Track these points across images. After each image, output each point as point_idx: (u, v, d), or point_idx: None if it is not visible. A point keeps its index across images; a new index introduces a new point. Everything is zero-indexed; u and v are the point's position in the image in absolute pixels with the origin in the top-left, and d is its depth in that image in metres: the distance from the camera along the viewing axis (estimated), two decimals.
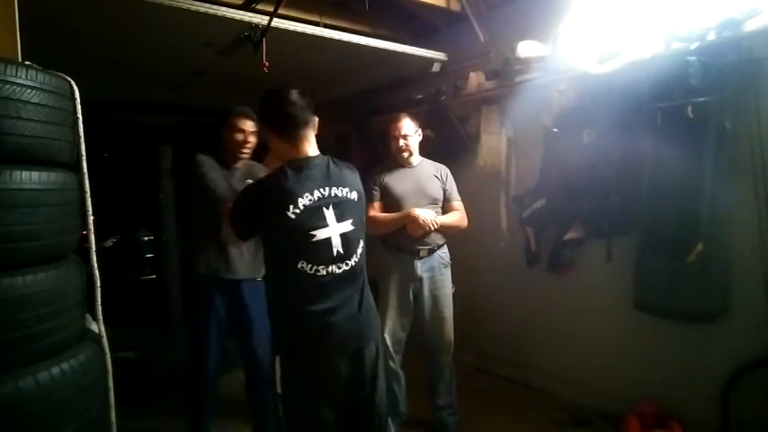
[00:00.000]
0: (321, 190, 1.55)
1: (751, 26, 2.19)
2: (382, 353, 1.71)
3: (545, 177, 3.01)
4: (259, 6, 2.68)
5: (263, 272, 2.36)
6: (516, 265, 3.20)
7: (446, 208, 2.63)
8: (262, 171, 2.33)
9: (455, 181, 2.70)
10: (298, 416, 1.56)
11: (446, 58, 3.61)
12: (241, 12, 2.63)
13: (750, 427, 2.27)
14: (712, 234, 2.27)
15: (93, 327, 1.82)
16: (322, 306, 1.53)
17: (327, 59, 3.32)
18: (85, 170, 1.77)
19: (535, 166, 3.07)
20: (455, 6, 3.35)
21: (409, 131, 2.58)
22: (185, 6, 2.40)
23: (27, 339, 1.46)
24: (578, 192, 2.75)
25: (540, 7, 3.08)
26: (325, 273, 1.54)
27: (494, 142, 3.35)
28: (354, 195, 1.65)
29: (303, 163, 1.58)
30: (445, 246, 2.64)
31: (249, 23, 2.64)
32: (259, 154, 2.38)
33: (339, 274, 1.57)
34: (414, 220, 2.45)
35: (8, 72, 1.45)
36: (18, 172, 1.47)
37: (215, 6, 2.52)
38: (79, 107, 1.72)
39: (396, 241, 2.55)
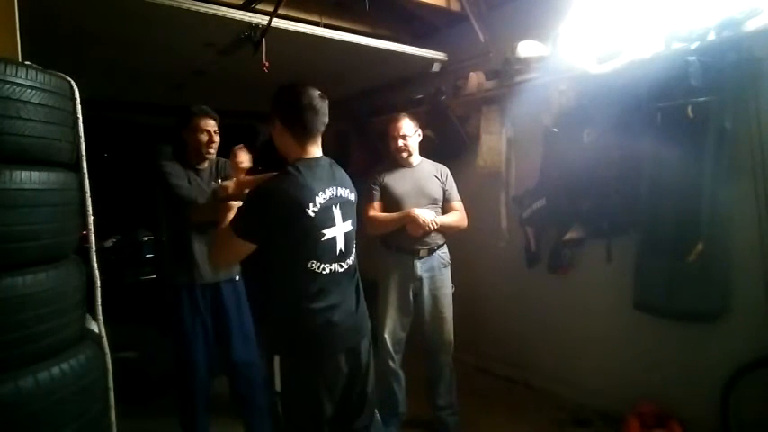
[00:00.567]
0: (331, 189, 1.57)
1: (751, 26, 2.19)
2: (372, 347, 1.74)
3: (545, 177, 3.01)
4: (259, 6, 2.68)
5: (237, 271, 2.38)
6: (516, 265, 3.20)
7: (446, 208, 2.63)
8: (229, 166, 2.27)
9: (455, 181, 2.70)
10: (299, 413, 1.57)
11: (446, 58, 3.61)
12: (241, 12, 2.63)
13: (750, 427, 2.27)
14: (712, 234, 2.26)
15: (93, 327, 1.82)
16: (324, 303, 1.55)
17: (327, 59, 3.32)
18: (85, 170, 1.77)
19: (535, 166, 3.07)
20: (455, 6, 3.35)
21: (409, 131, 2.58)
22: (185, 6, 2.40)
23: (27, 339, 1.46)
24: (578, 192, 2.75)
25: (540, 7, 3.08)
26: (328, 271, 1.56)
27: (494, 142, 3.35)
28: (353, 196, 1.70)
29: (313, 163, 1.59)
30: (445, 246, 2.64)
31: (249, 23, 2.64)
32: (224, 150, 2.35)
33: (340, 272, 1.60)
34: (413, 220, 2.45)
35: (8, 72, 1.45)
36: (18, 172, 1.47)
37: (215, 6, 2.52)
38: (79, 107, 1.72)
39: (396, 241, 2.55)
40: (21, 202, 1.47)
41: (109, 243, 5.71)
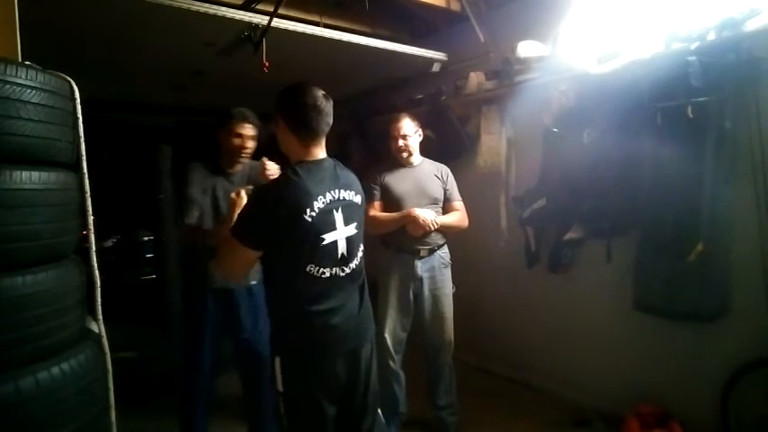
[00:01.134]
0: (332, 192, 1.54)
1: (751, 26, 2.19)
2: (375, 352, 1.73)
3: (545, 177, 3.01)
4: (259, 6, 2.68)
5: (252, 278, 2.35)
6: (516, 265, 3.20)
7: (447, 208, 2.62)
8: (255, 171, 2.31)
9: (455, 181, 2.70)
10: (300, 413, 1.57)
11: (446, 58, 3.61)
12: (241, 12, 2.63)
13: (750, 427, 2.27)
14: (712, 234, 2.26)
15: (93, 327, 1.82)
16: (324, 307, 1.53)
17: (327, 59, 3.32)
18: (85, 170, 1.77)
19: (535, 166, 3.07)
20: (455, 6, 3.35)
21: (409, 131, 2.58)
22: (185, 6, 2.40)
23: (27, 339, 1.46)
24: (578, 192, 2.75)
25: (540, 7, 3.08)
26: (329, 275, 1.54)
27: (494, 142, 3.35)
28: (359, 199, 1.66)
29: (314, 165, 1.56)
30: (446, 246, 2.64)
31: (249, 23, 2.64)
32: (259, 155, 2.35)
33: (342, 276, 1.57)
34: (414, 219, 2.45)
35: (8, 72, 1.45)
36: (18, 172, 1.47)
37: (215, 6, 2.52)
38: (79, 107, 1.72)
39: (396, 241, 2.55)
40: (21, 202, 1.47)
41: (109, 243, 5.72)
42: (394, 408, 2.60)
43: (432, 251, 2.57)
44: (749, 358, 2.24)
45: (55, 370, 1.49)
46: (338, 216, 1.55)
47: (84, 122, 1.74)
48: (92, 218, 1.78)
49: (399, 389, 2.63)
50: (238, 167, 2.37)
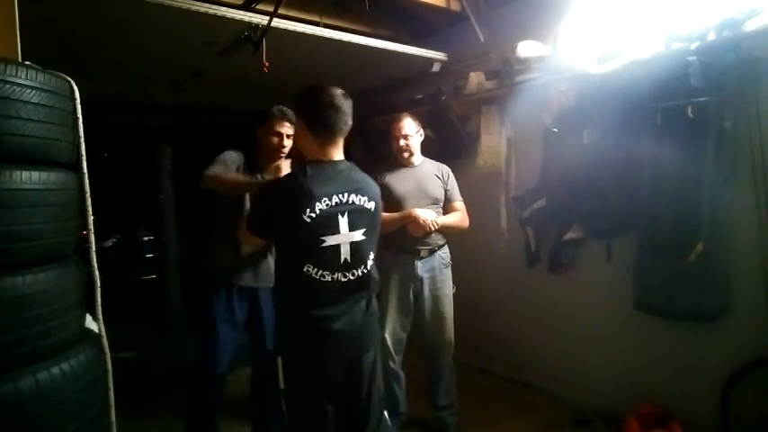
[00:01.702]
0: (340, 196, 1.53)
1: (751, 26, 2.19)
2: (380, 360, 1.72)
3: (545, 177, 3.01)
4: (259, 6, 2.68)
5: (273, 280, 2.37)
6: (516, 265, 3.20)
7: (447, 208, 2.62)
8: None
9: (456, 181, 2.69)
10: (300, 411, 1.58)
11: (446, 58, 3.61)
12: (241, 12, 2.63)
13: (750, 427, 2.27)
14: (712, 234, 2.26)
15: (93, 327, 1.82)
16: (323, 312, 1.53)
17: (327, 59, 3.32)
18: (85, 170, 1.77)
19: (535, 166, 3.07)
20: (455, 6, 3.35)
21: (410, 131, 2.58)
22: (185, 6, 2.40)
23: (27, 339, 1.46)
24: (578, 192, 2.75)
25: (540, 7, 3.08)
26: (330, 279, 1.53)
27: (494, 142, 3.35)
28: (372, 205, 1.63)
29: (327, 166, 1.57)
30: (446, 246, 2.64)
31: (249, 23, 2.64)
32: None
33: (344, 282, 1.55)
34: (414, 220, 2.45)
35: (8, 72, 1.45)
36: (18, 172, 1.47)
37: (215, 6, 2.52)
38: (79, 107, 1.72)
39: (396, 241, 2.55)
40: (21, 202, 1.47)
41: (109, 243, 5.72)
42: (394, 408, 2.60)
43: (432, 251, 2.57)
44: (749, 358, 2.24)
45: (55, 370, 1.49)
46: (343, 220, 1.53)
47: (84, 122, 1.74)
48: (92, 218, 1.78)
49: (399, 389, 2.63)
50: (274, 167, 2.33)
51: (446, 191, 2.63)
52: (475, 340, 3.40)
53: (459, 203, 2.65)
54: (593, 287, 2.88)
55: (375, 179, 2.58)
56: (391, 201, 2.56)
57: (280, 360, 1.57)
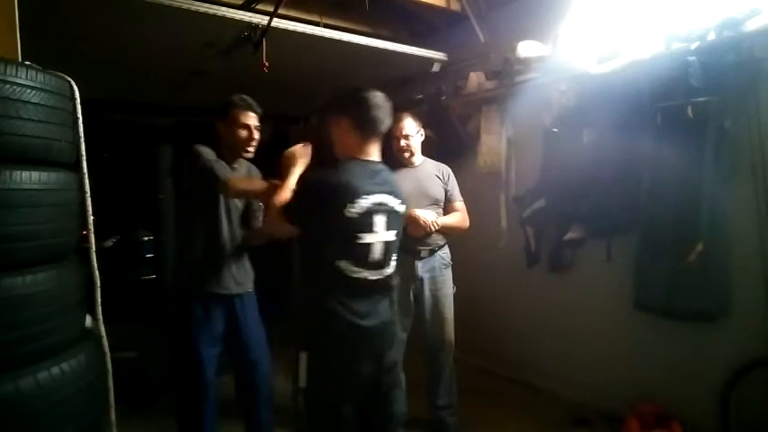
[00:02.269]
0: (378, 195, 1.56)
1: (751, 26, 2.19)
2: (401, 363, 1.74)
3: (545, 177, 3.01)
4: (259, 6, 2.68)
5: (249, 285, 2.23)
6: (516, 265, 3.20)
7: (448, 208, 2.62)
8: (258, 174, 2.24)
9: (456, 181, 2.69)
10: (321, 410, 1.58)
11: (446, 58, 3.61)
12: (241, 12, 2.63)
13: (750, 427, 2.26)
14: (712, 234, 2.26)
15: (93, 327, 1.82)
16: (355, 308, 1.54)
17: (327, 59, 3.32)
18: (85, 170, 1.77)
19: (535, 166, 3.07)
20: (455, 6, 3.35)
21: (411, 131, 2.57)
22: (185, 6, 2.40)
23: (27, 339, 1.46)
24: (578, 192, 2.75)
25: (540, 7, 3.08)
26: (359, 276, 1.55)
27: (494, 142, 3.35)
28: (402, 208, 1.67)
29: (367, 165, 1.60)
30: (446, 246, 2.64)
31: (249, 23, 2.64)
32: (265, 154, 2.23)
33: (372, 280, 1.58)
34: (414, 220, 2.44)
35: (8, 72, 1.45)
36: (18, 172, 1.47)
37: (215, 6, 2.52)
38: (79, 107, 1.73)
39: None
40: (21, 202, 1.47)
41: (109, 243, 5.71)
42: None
43: (432, 252, 2.57)
44: (749, 358, 2.24)
45: (55, 370, 1.50)
46: (379, 219, 1.57)
47: (84, 122, 1.75)
48: (92, 218, 1.78)
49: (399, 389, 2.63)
50: (240, 164, 2.20)
51: (446, 191, 2.62)
52: (475, 340, 3.39)
53: (459, 204, 2.64)
54: (593, 287, 2.88)
55: None
56: None
57: (303, 357, 1.57)
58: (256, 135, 2.12)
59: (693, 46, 2.32)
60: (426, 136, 2.77)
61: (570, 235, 2.83)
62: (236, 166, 2.17)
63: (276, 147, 2.25)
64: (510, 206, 3.28)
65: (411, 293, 2.57)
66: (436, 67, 3.65)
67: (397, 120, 2.61)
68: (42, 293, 1.51)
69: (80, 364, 1.59)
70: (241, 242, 2.17)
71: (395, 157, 2.63)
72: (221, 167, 2.02)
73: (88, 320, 1.84)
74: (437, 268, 2.59)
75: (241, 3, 2.69)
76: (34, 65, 1.57)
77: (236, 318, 2.16)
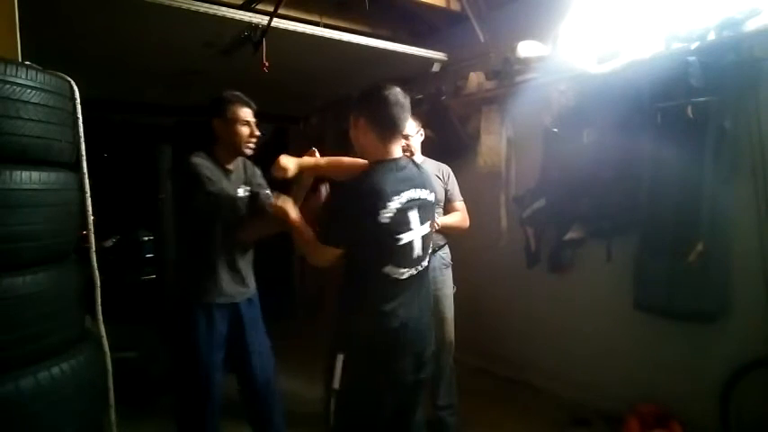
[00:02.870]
0: (410, 192, 1.54)
1: (751, 26, 2.19)
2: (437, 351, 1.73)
3: (545, 177, 3.01)
4: (259, 6, 2.68)
5: (254, 289, 2.18)
6: (516, 265, 3.20)
7: (448, 208, 2.62)
8: (258, 172, 2.18)
9: (456, 181, 2.69)
10: (356, 412, 1.56)
11: (446, 58, 3.62)
12: (241, 12, 2.63)
13: (750, 427, 2.27)
14: (712, 234, 2.26)
15: (93, 327, 1.82)
16: (399, 306, 1.53)
17: (327, 59, 3.32)
18: (85, 170, 1.77)
19: (535, 166, 3.07)
20: (455, 6, 3.35)
21: (411, 131, 2.57)
22: (185, 6, 2.40)
23: (27, 339, 1.46)
24: (578, 192, 2.75)
25: (540, 7, 3.08)
26: (407, 275, 1.54)
27: (494, 142, 3.35)
28: (433, 197, 1.65)
29: (393, 164, 1.56)
30: (446, 246, 2.63)
31: (249, 23, 2.64)
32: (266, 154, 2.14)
33: (415, 275, 1.57)
34: None
35: (8, 72, 1.45)
36: (18, 172, 1.47)
37: (215, 6, 2.52)
38: (79, 107, 1.73)
39: None
40: (21, 202, 1.47)
41: (109, 243, 5.72)
42: None
43: (432, 252, 2.56)
44: (749, 358, 2.24)
45: (55, 370, 1.50)
46: (414, 215, 1.54)
47: (84, 122, 1.75)
48: (92, 218, 1.78)
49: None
50: (237, 163, 2.12)
51: (446, 191, 2.62)
52: (475, 340, 3.39)
53: (459, 203, 2.64)
54: (593, 287, 2.88)
55: None
56: None
57: (340, 359, 1.53)
58: (257, 132, 2.06)
59: (693, 46, 2.32)
60: (426, 136, 2.76)
61: (570, 235, 2.83)
62: (230, 167, 2.08)
63: (276, 146, 2.24)
64: (510, 206, 3.28)
65: None
66: (436, 67, 3.65)
67: None
68: (42, 293, 1.51)
69: (80, 364, 1.59)
70: (241, 247, 2.08)
71: None
72: (227, 202, 1.93)
73: (88, 320, 1.84)
74: (437, 268, 2.58)
75: (241, 3, 2.69)
76: (34, 65, 1.57)
77: (240, 323, 2.09)
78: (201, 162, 1.94)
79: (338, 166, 1.81)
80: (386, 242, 1.49)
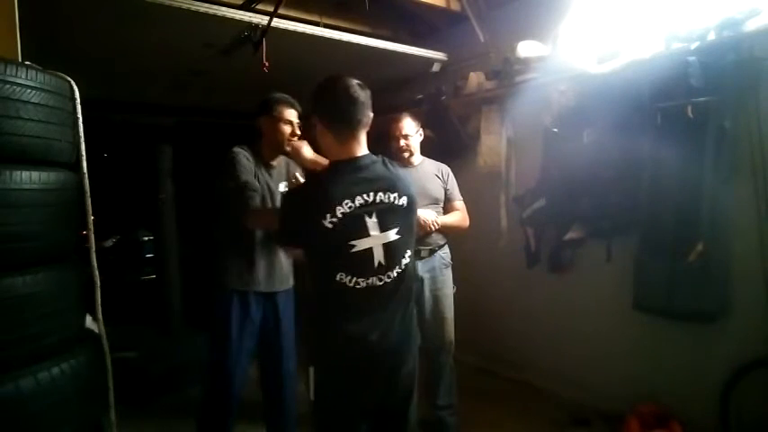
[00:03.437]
0: (365, 196, 1.40)
1: (751, 26, 2.19)
2: (417, 366, 1.64)
3: (545, 177, 3.01)
4: (259, 6, 2.68)
5: (290, 281, 2.26)
6: (516, 265, 3.20)
7: (447, 208, 2.62)
8: (299, 170, 2.22)
9: (455, 181, 2.69)
10: (330, 426, 1.50)
11: (446, 58, 3.62)
12: (241, 12, 2.63)
13: (750, 427, 2.26)
14: (712, 234, 2.26)
15: (93, 327, 1.82)
16: (360, 324, 1.43)
17: (327, 59, 3.32)
18: (85, 170, 1.77)
19: (535, 165, 3.07)
20: (455, 6, 3.35)
21: (410, 131, 2.57)
22: (185, 6, 2.40)
23: (27, 339, 1.46)
24: (578, 192, 2.75)
25: (540, 7, 3.08)
26: (365, 285, 1.42)
27: (494, 142, 3.35)
28: (403, 201, 1.49)
29: (348, 166, 1.44)
30: (446, 246, 2.64)
31: (249, 23, 2.64)
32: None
33: (380, 286, 1.44)
34: None
35: (8, 72, 1.46)
36: (18, 172, 1.47)
37: (215, 6, 2.52)
38: (79, 107, 1.73)
39: None
40: (21, 202, 1.47)
41: (109, 243, 5.73)
42: None
43: (432, 252, 2.57)
44: (749, 358, 2.24)
45: (55, 370, 1.50)
46: (371, 221, 1.41)
47: (84, 122, 1.75)
48: (92, 218, 1.78)
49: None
50: (279, 161, 2.21)
51: (446, 191, 2.63)
52: (475, 340, 3.40)
53: (459, 203, 2.64)
54: (593, 287, 2.88)
55: None
56: None
57: (312, 371, 1.50)
58: (298, 131, 2.14)
59: (693, 46, 2.32)
60: (426, 136, 2.77)
61: (570, 235, 2.83)
62: (273, 163, 2.19)
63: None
64: (510, 206, 3.28)
65: None
66: (436, 67, 3.65)
67: (395, 120, 2.61)
68: (42, 293, 1.51)
69: (80, 364, 1.59)
70: None
71: (394, 158, 2.62)
72: (253, 190, 1.99)
73: (88, 320, 1.84)
74: (437, 268, 2.59)
75: (241, 3, 2.69)
76: (34, 65, 1.57)
77: (276, 313, 2.21)
78: (241, 152, 2.08)
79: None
80: (335, 248, 1.39)
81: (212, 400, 2.17)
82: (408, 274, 1.52)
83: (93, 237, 1.81)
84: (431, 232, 2.50)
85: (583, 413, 2.80)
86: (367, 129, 1.49)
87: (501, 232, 3.31)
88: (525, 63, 3.03)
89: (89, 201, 1.76)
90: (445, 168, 2.69)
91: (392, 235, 1.45)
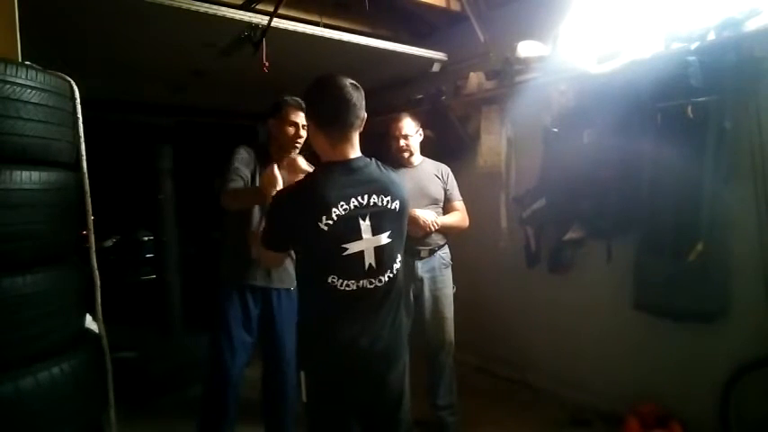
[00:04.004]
0: (359, 198, 1.40)
1: (751, 26, 2.19)
2: (408, 370, 1.62)
3: (545, 177, 3.01)
4: (259, 6, 2.68)
5: (291, 284, 2.26)
6: (516, 265, 3.20)
7: (447, 208, 2.62)
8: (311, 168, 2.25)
9: (455, 181, 2.69)
10: (322, 427, 1.50)
11: (446, 58, 3.62)
12: (241, 12, 2.63)
13: (750, 427, 2.26)
14: (712, 234, 2.26)
15: (93, 327, 1.82)
16: (350, 326, 1.42)
17: (327, 59, 3.32)
18: (85, 170, 1.77)
19: (535, 166, 3.07)
20: (455, 6, 3.35)
21: (410, 131, 2.58)
22: (185, 6, 2.40)
23: (27, 339, 1.46)
24: (578, 192, 2.75)
25: (540, 7, 3.07)
26: (355, 288, 1.41)
27: (494, 142, 3.35)
28: (396, 205, 1.48)
29: (341, 167, 1.43)
30: (446, 246, 2.64)
31: (249, 23, 2.64)
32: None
33: (370, 289, 1.43)
34: (414, 220, 2.44)
35: (8, 72, 1.46)
36: (18, 172, 1.47)
37: (215, 6, 2.52)
38: (79, 107, 1.73)
39: None
40: (21, 202, 1.47)
41: (109, 243, 5.72)
42: None
43: (432, 252, 2.57)
44: (749, 358, 2.24)
45: (55, 370, 1.50)
46: (365, 224, 1.40)
47: (84, 122, 1.75)
48: (92, 218, 1.78)
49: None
50: (285, 161, 2.22)
51: (446, 191, 2.63)
52: (475, 340, 3.39)
53: (458, 203, 2.64)
54: (593, 287, 2.88)
55: None
56: None
57: (303, 374, 1.47)
58: (303, 133, 2.20)
59: (693, 46, 2.32)
60: (426, 136, 2.77)
61: (570, 235, 2.83)
62: (284, 163, 2.18)
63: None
64: (510, 206, 3.28)
65: (411, 294, 2.57)
66: (436, 67, 3.65)
67: (395, 120, 2.62)
68: (42, 293, 1.51)
69: (80, 364, 1.59)
70: None
71: (394, 158, 2.63)
72: (238, 176, 2.12)
73: (88, 320, 1.84)
74: (437, 268, 2.59)
75: (241, 3, 2.69)
76: (34, 65, 1.57)
77: (271, 310, 2.26)
78: (244, 149, 2.22)
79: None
80: (328, 250, 1.37)
81: (212, 390, 2.22)
82: (399, 279, 1.52)
83: (93, 237, 1.81)
84: (430, 232, 2.50)
85: (583, 413, 2.80)
86: (360, 130, 1.48)
87: (501, 232, 3.31)
88: (525, 63, 3.03)
89: (89, 201, 1.76)
90: (445, 168, 2.69)
91: (384, 239, 1.45)
